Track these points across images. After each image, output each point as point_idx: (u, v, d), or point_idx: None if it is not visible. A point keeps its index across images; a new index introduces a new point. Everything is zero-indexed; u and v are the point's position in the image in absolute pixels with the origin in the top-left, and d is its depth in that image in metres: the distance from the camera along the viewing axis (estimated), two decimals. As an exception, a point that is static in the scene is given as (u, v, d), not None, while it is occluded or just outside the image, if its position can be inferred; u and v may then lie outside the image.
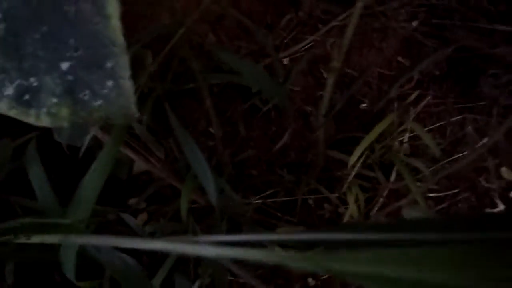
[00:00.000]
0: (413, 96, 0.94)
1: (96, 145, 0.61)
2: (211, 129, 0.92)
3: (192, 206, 0.69)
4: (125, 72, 0.32)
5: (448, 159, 0.89)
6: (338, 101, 1.06)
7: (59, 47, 0.32)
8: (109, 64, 0.32)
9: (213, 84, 1.00)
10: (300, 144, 0.97)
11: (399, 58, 1.11)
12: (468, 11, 1.14)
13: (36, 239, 0.35)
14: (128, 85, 0.33)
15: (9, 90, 0.34)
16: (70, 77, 0.33)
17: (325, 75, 1.09)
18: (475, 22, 1.13)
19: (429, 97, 0.83)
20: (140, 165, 0.69)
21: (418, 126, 0.75)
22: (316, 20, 1.15)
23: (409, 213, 0.49)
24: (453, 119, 0.95)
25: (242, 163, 0.90)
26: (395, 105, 1.00)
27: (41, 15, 0.31)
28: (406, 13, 1.16)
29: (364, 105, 1.04)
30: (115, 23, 0.29)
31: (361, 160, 0.81)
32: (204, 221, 0.74)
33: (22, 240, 0.35)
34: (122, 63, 0.32)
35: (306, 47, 1.11)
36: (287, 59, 1.09)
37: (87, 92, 0.34)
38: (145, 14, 0.92)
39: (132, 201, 0.76)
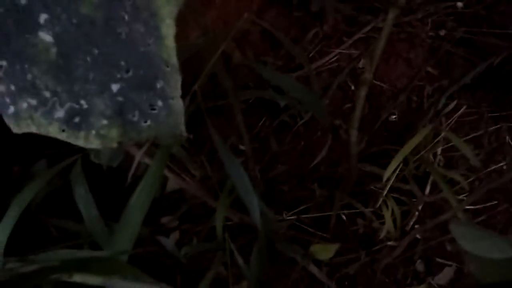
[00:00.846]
0: (446, 107, 0.91)
1: (128, 163, 0.61)
2: (240, 146, 0.91)
3: (226, 223, 0.68)
4: (176, 92, 0.32)
5: (485, 170, 0.86)
6: (367, 113, 1.04)
7: (110, 69, 0.32)
8: (159, 85, 0.32)
9: (240, 100, 1.00)
10: (330, 158, 0.95)
11: (428, 68, 1.09)
12: (496, 17, 1.12)
13: (77, 277, 0.33)
14: (178, 105, 0.33)
15: (60, 113, 0.34)
16: (120, 99, 0.33)
17: (352, 87, 1.08)
18: (503, 28, 1.10)
19: (464, 107, 0.81)
20: (173, 183, 0.69)
21: (454, 136, 0.73)
22: (341, 33, 1.15)
23: (455, 229, 0.47)
24: (488, 128, 0.92)
25: (272, 179, 0.89)
26: (428, 116, 0.98)
27: (93, 38, 0.31)
28: (433, 23, 1.15)
29: (394, 116, 1.02)
30: (169, 44, 0.28)
31: (396, 173, 0.79)
32: (238, 239, 0.73)
33: (64, 278, 0.33)
34: (173, 83, 0.32)
35: (332, 60, 1.10)
36: (314, 72, 1.09)
37: (136, 112, 0.34)
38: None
39: (164, 219, 0.76)
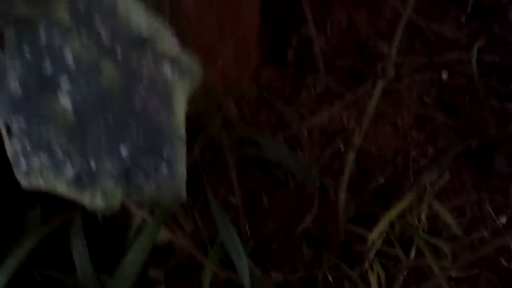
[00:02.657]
0: (430, 172, 0.95)
1: (122, 213, 0.62)
2: (232, 199, 0.93)
3: (213, 280, 0.68)
4: (180, 160, 0.34)
5: (468, 238, 0.88)
6: (355, 174, 1.07)
7: (122, 135, 0.34)
8: (166, 152, 0.35)
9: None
10: (319, 217, 0.97)
11: (413, 133, 1.15)
12: (479, 89, 1.19)
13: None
14: (181, 171, 0.35)
15: (69, 172, 0.36)
16: (127, 162, 0.35)
17: (342, 148, 1.11)
18: (486, 100, 1.17)
19: (447, 176, 0.84)
20: (164, 235, 0.69)
21: (438, 204, 0.76)
22: (332, 94, 1.20)
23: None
24: (471, 196, 0.95)
25: (262, 236, 0.90)
26: (412, 181, 1.01)
27: (109, 107, 0.33)
28: (418, 90, 1.22)
29: (380, 179, 1.06)
30: (180, 119, 0.31)
31: (381, 236, 0.81)
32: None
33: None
34: (178, 152, 0.34)
35: (323, 120, 1.15)
36: (305, 131, 1.13)
37: (141, 175, 0.36)
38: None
39: (151, 273, 0.75)
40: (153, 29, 0.26)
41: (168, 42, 0.26)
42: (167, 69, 0.28)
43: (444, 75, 1.22)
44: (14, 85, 0.36)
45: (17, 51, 0.36)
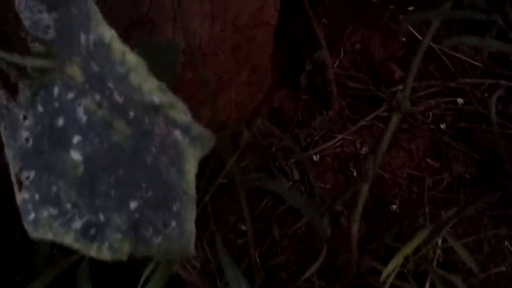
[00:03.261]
0: (446, 203, 0.93)
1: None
2: (242, 226, 0.92)
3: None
4: (190, 216, 0.34)
5: (485, 273, 0.86)
6: (368, 201, 1.06)
7: (131, 188, 0.34)
8: (175, 207, 0.34)
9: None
10: (331, 246, 0.95)
11: (429, 160, 1.13)
12: (495, 116, 1.16)
13: None
14: (191, 227, 0.34)
15: (77, 224, 0.36)
16: (136, 216, 0.35)
17: (355, 173, 1.10)
18: (503, 128, 1.15)
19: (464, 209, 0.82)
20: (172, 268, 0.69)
21: (453, 240, 0.74)
22: (345, 119, 1.20)
23: None
24: (488, 229, 0.93)
25: (272, 266, 0.89)
26: (427, 211, 0.99)
27: (120, 162, 0.33)
28: (433, 116, 1.20)
29: (394, 206, 1.04)
30: (190, 178, 0.31)
31: (395, 270, 0.79)
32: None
33: None
34: (188, 208, 0.34)
35: (336, 145, 1.14)
36: (317, 156, 1.12)
37: (150, 229, 0.35)
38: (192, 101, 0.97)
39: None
40: (165, 98, 0.26)
41: (180, 111, 0.26)
42: (178, 135, 0.28)
43: (460, 101, 1.20)
44: (25, 136, 0.36)
45: (30, 103, 0.36)
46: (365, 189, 0.70)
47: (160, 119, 0.29)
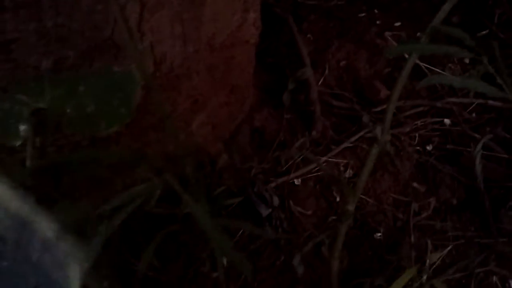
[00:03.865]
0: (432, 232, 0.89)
1: None
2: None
3: None
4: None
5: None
6: (351, 227, 1.01)
7: (20, 283, 0.30)
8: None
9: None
10: (311, 277, 0.91)
11: (415, 184, 1.09)
12: (483, 138, 1.13)
13: None
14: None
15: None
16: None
17: (337, 198, 1.05)
18: (491, 151, 1.11)
19: (450, 245, 0.78)
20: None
21: (439, 282, 0.70)
22: (329, 140, 1.15)
23: None
24: (476, 261, 0.89)
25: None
26: (412, 238, 0.95)
27: (2, 253, 0.29)
28: (420, 137, 1.16)
29: (379, 234, 0.99)
30: (75, 284, 0.26)
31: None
32: None
33: None
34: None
35: (319, 168, 1.09)
36: (299, 180, 1.07)
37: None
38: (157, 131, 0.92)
39: None
40: (31, 213, 0.21)
41: (47, 226, 0.22)
42: (53, 247, 0.24)
43: (447, 121, 1.17)
44: None
45: None
46: (343, 228, 0.65)
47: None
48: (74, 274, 0.24)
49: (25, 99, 0.46)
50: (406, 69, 0.54)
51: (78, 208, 0.48)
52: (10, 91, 0.47)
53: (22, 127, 0.46)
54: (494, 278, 0.85)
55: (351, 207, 0.70)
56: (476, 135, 1.12)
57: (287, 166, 1.08)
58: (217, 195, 0.91)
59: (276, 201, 0.98)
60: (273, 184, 1.03)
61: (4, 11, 0.55)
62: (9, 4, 0.55)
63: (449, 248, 0.93)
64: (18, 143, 0.45)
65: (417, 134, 1.15)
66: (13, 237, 0.25)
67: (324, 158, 1.10)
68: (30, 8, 0.57)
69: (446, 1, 0.66)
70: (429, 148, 1.14)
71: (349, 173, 1.10)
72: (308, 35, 1.36)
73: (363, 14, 1.39)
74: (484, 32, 1.34)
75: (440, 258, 0.75)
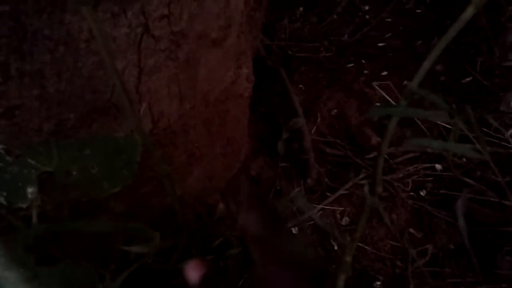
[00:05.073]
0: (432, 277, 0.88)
1: None
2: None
3: None
4: None
5: None
6: (350, 276, 1.00)
7: None
8: None
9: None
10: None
11: (411, 230, 1.09)
12: (476, 183, 1.15)
13: None
14: None
15: None
16: None
17: (335, 247, 1.05)
18: (481, 194, 1.13)
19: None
20: None
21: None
22: (324, 187, 1.17)
23: None
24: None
25: None
26: (411, 286, 0.94)
27: None
28: (413, 183, 1.18)
29: (378, 283, 0.98)
30: None
31: None
32: None
33: None
34: None
35: (316, 215, 1.10)
36: (296, 229, 1.07)
37: None
38: (155, 185, 0.93)
39: None
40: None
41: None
42: None
43: (439, 167, 1.19)
44: None
45: None
46: (341, 282, 0.65)
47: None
48: None
49: (34, 163, 0.48)
50: (389, 129, 0.57)
51: (80, 267, 0.48)
52: (21, 156, 0.49)
53: (30, 189, 0.48)
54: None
55: (348, 258, 0.70)
56: (467, 180, 1.14)
57: (284, 215, 1.08)
58: (216, 246, 0.91)
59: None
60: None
61: (9, 79, 0.58)
62: (14, 72, 0.58)
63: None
64: (25, 205, 0.46)
65: (410, 180, 1.17)
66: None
67: (320, 206, 1.11)
68: (33, 76, 0.59)
69: (430, 51, 0.70)
70: (422, 193, 1.16)
71: (345, 220, 1.10)
72: (300, 85, 1.41)
73: (351, 65, 1.46)
74: (468, 79, 1.40)
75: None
